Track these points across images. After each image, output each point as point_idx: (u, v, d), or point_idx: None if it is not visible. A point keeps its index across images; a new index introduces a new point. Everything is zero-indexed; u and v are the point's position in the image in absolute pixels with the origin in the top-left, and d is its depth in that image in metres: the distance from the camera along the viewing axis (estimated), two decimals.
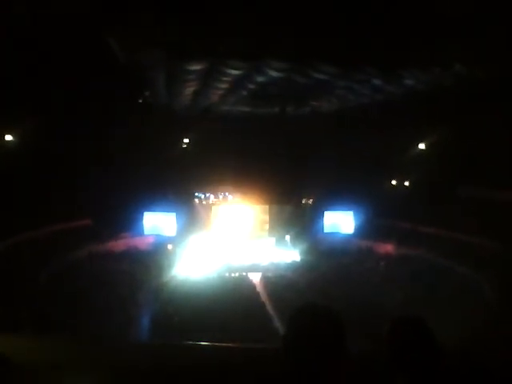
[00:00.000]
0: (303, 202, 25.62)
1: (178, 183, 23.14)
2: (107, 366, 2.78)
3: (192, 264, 21.15)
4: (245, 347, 3.66)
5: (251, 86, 16.69)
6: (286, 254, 23.34)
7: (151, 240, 22.74)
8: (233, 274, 20.55)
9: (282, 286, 18.09)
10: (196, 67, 13.55)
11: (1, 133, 16.74)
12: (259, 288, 18.42)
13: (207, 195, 25.05)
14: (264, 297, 17.10)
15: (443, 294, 14.02)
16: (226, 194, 25.13)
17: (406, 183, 23.73)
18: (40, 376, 2.61)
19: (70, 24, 10.21)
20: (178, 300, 15.30)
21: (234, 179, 23.82)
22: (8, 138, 17.01)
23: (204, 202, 25.05)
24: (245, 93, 18.02)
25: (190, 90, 17.26)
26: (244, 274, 20.73)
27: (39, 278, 14.37)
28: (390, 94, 17.02)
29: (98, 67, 12.90)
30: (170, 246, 22.36)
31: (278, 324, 13.69)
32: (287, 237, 24.26)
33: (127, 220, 21.07)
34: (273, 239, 24.55)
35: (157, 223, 22.89)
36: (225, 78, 15.35)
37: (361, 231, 23.20)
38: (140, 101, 18.16)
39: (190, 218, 23.77)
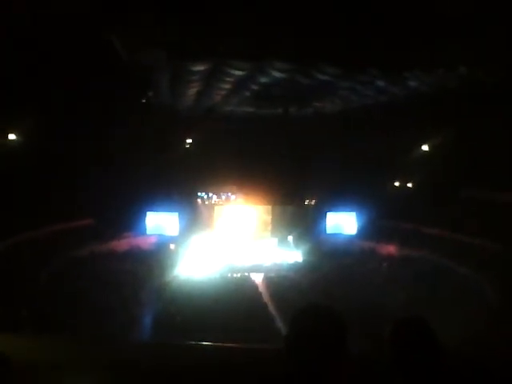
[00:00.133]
0: (306, 202, 25.59)
1: (181, 183, 23.15)
2: (108, 365, 2.79)
3: (194, 264, 21.16)
4: (247, 347, 3.67)
5: (254, 87, 16.69)
6: (289, 254, 23.32)
7: (154, 240, 22.74)
8: (235, 274, 20.55)
9: (284, 286, 18.09)
10: (199, 68, 13.56)
11: (4, 132, 16.77)
12: (261, 288, 18.42)
13: (210, 195, 25.03)
14: (266, 297, 17.10)
15: (445, 294, 14.00)
16: (229, 194, 25.11)
17: (409, 184, 23.69)
18: (40, 375, 2.62)
19: (72, 24, 10.23)
20: (180, 300, 15.31)
21: (237, 179, 23.82)
22: (11, 137, 17.03)
23: (207, 202, 25.04)
24: (248, 93, 18.02)
25: (193, 90, 17.28)
26: (246, 274, 20.73)
27: (41, 278, 14.40)
28: (393, 95, 17.01)
29: (101, 68, 12.92)
30: (172, 246, 22.37)
31: (280, 324, 13.68)
32: (290, 237, 24.24)
33: (130, 220, 21.09)
34: (275, 240, 24.53)
35: (159, 223, 22.91)
36: (228, 79, 15.36)
37: (363, 232, 23.16)
38: (143, 101, 18.18)
39: (193, 218, 23.77)
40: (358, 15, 9.98)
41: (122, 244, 21.31)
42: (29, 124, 16.03)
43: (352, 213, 24.03)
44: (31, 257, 15.03)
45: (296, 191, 24.53)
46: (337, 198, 23.26)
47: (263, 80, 15.44)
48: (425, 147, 21.32)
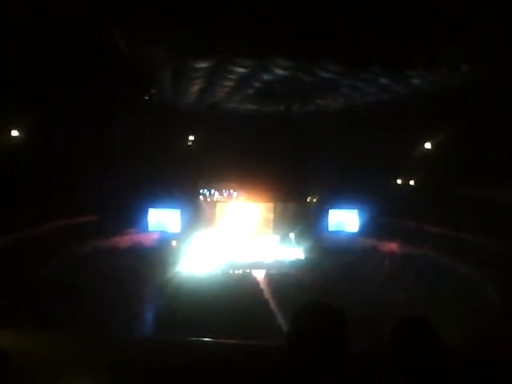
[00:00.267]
0: (308, 199, 25.58)
1: (183, 180, 23.16)
2: (109, 361, 2.80)
3: (196, 260, 21.19)
4: (248, 344, 3.68)
5: (257, 84, 16.68)
6: (290, 251, 23.34)
7: (156, 236, 22.77)
8: (237, 271, 20.57)
9: (285, 283, 18.10)
10: (202, 65, 13.55)
11: (6, 129, 16.80)
12: (263, 285, 18.45)
13: (212, 192, 25.04)
14: (268, 294, 17.12)
15: (447, 293, 13.99)
16: (231, 191, 25.11)
17: (412, 182, 23.68)
18: (40, 371, 2.63)
19: (74, 22, 10.23)
20: (182, 296, 15.34)
21: (239, 177, 23.80)
22: (14, 133, 17.07)
23: (209, 199, 25.05)
24: (250, 91, 18.01)
25: (195, 87, 17.27)
26: (248, 271, 20.75)
27: (42, 274, 14.43)
28: (395, 93, 16.98)
29: (103, 65, 12.93)
30: (174, 243, 22.40)
31: (281, 321, 13.70)
32: (291, 234, 24.25)
33: (132, 216, 21.11)
34: (277, 237, 24.55)
35: (161, 219, 22.92)
36: (231, 76, 15.34)
37: (365, 230, 23.14)
38: (146, 98, 18.20)
39: (195, 214, 23.78)
40: (360, 13, 9.96)
41: (124, 240, 21.33)
42: (31, 120, 16.06)
43: (354, 210, 24.01)
44: (33, 253, 15.05)
45: (298, 188, 24.51)
46: (339, 195, 23.23)
47: (266, 77, 15.43)
48: (427, 145, 21.29)
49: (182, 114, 22.03)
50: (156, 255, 20.31)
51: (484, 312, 12.36)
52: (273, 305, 15.70)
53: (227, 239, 23.57)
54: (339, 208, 24.25)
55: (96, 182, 18.63)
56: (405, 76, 14.55)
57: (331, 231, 24.18)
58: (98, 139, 18.53)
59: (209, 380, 2.72)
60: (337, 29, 10.51)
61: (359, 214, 23.88)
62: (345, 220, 24.34)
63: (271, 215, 25.14)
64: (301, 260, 22.39)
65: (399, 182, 24.01)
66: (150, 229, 22.68)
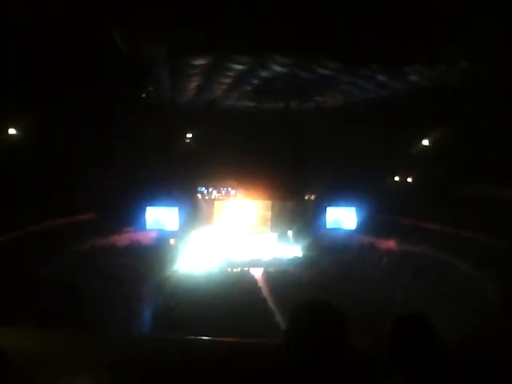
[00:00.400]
0: (306, 197, 25.60)
1: (181, 178, 23.13)
2: (108, 359, 2.79)
3: (194, 259, 21.19)
4: (246, 342, 3.67)
5: (255, 81, 16.65)
6: (288, 249, 23.37)
7: (154, 234, 22.76)
8: (235, 269, 20.59)
9: (283, 281, 18.13)
10: (200, 62, 13.52)
11: (5, 127, 16.77)
12: (261, 283, 18.46)
13: (210, 190, 25.03)
14: (266, 292, 17.14)
15: (445, 290, 14.02)
16: (229, 189, 25.11)
17: (409, 179, 23.69)
18: (39, 370, 2.61)
19: (72, 20, 10.19)
20: (180, 294, 15.34)
21: (237, 174, 23.81)
22: (12, 132, 17.04)
23: (207, 197, 25.04)
24: (249, 88, 17.98)
25: (193, 84, 17.24)
26: (246, 269, 20.77)
27: (41, 272, 14.42)
28: (394, 90, 16.97)
29: (101, 63, 12.88)
30: (172, 241, 22.40)
31: (279, 319, 13.72)
32: (289, 232, 24.28)
33: (130, 214, 21.09)
34: (275, 235, 24.57)
35: (159, 218, 22.89)
36: (229, 73, 15.32)
37: (363, 227, 23.16)
38: (144, 96, 18.15)
39: (193, 212, 23.77)
40: (358, 10, 9.94)
41: (123, 239, 21.33)
42: (29, 119, 16.03)
43: (352, 208, 24.02)
44: (32, 251, 15.04)
45: (296, 186, 24.50)
46: (337, 192, 23.23)
47: (264, 74, 15.40)
48: (425, 142, 21.29)
49: (180, 112, 21.98)
50: (154, 253, 20.32)
51: (482, 310, 12.38)
52: (271, 303, 15.72)
53: (225, 237, 23.59)
54: (337, 205, 24.24)
55: (94, 181, 18.60)
56: (403, 73, 14.55)
57: (329, 229, 24.18)
58: (96, 138, 18.48)
59: (207, 378, 2.71)
60: (335, 26, 10.49)
61: (357, 211, 23.88)
62: (343, 218, 24.34)
63: (269, 213, 25.17)
64: (299, 258, 22.42)
65: (397, 179, 24.01)
66: (148, 227, 22.66)
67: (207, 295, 14.85)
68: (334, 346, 1.76)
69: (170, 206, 22.85)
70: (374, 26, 10.52)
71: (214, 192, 25.10)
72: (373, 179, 21.72)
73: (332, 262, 20.19)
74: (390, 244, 21.39)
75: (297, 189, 24.68)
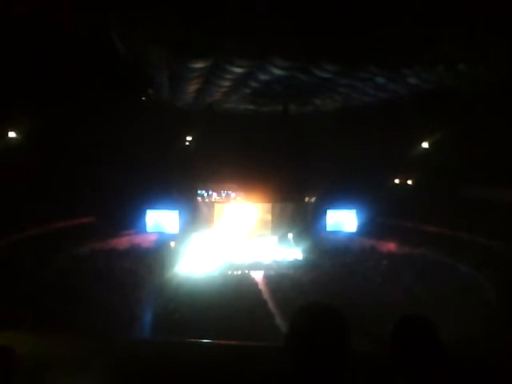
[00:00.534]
0: (306, 200, 25.61)
1: (181, 181, 23.15)
2: (108, 362, 2.78)
3: (194, 262, 21.17)
4: (246, 345, 3.66)
5: (254, 84, 16.67)
6: (289, 252, 23.34)
7: (154, 237, 22.76)
8: (235, 272, 20.56)
9: (284, 284, 18.09)
10: (199, 65, 13.54)
11: (4, 131, 16.77)
12: (261, 286, 18.43)
13: (210, 193, 25.04)
14: (266, 295, 17.11)
15: (446, 292, 14.00)
16: (229, 192, 25.12)
17: (409, 182, 23.71)
18: (40, 374, 2.61)
19: (72, 22, 10.21)
20: (180, 297, 15.32)
21: (237, 177, 23.83)
22: (11, 135, 17.04)
23: (207, 200, 25.05)
24: (248, 91, 18.00)
25: (193, 87, 17.26)
26: (246, 271, 20.74)
27: (41, 275, 14.41)
28: (393, 92, 16.99)
29: (101, 66, 12.91)
30: (172, 244, 22.39)
31: (279, 322, 13.69)
32: (290, 235, 24.25)
33: (130, 217, 21.11)
34: (275, 237, 24.55)
35: (160, 221, 22.91)
36: (228, 76, 15.34)
37: (363, 230, 23.18)
38: (143, 98, 18.17)
39: (193, 215, 23.79)
40: (357, 12, 9.96)
41: (123, 242, 21.33)
42: (28, 123, 16.04)
43: (352, 210, 24.05)
44: (32, 254, 15.04)
45: (296, 189, 24.53)
46: (337, 195, 23.25)
47: (263, 77, 15.42)
48: (425, 144, 21.31)
49: (180, 115, 22.02)
50: (154, 256, 20.31)
51: (483, 312, 12.36)
52: (271, 305, 15.69)
53: (225, 240, 23.57)
54: (337, 208, 24.27)
55: (94, 184, 18.63)
56: (402, 75, 14.57)
57: (329, 231, 24.21)
58: (96, 141, 18.51)
59: (207, 381, 2.70)
60: (334, 29, 10.51)
61: (357, 214, 23.91)
62: (343, 220, 24.37)
63: (269, 216, 25.16)
64: (299, 260, 22.39)
65: (397, 181, 24.03)
66: (148, 230, 22.68)
67: (207, 298, 14.83)
68: (334, 349, 1.75)
69: (171, 208, 22.86)
70: (372, 29, 10.53)
71: (214, 195, 25.11)
72: (373, 182, 21.73)
73: (332, 265, 20.18)
74: (390, 246, 21.40)
75: (297, 191, 24.71)
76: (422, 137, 21.08)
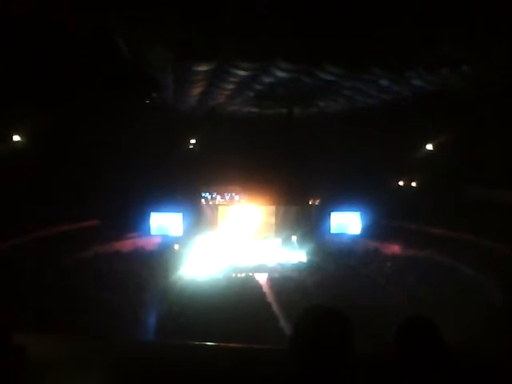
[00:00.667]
0: (310, 202, 25.58)
1: (185, 184, 23.18)
2: (112, 365, 2.79)
3: (198, 264, 21.17)
4: (251, 348, 3.66)
5: (258, 87, 16.68)
6: (293, 254, 23.31)
7: (158, 240, 22.79)
8: (239, 275, 20.54)
9: (288, 286, 18.07)
10: (203, 68, 13.55)
11: (8, 133, 16.83)
12: (265, 288, 18.41)
13: (214, 196, 25.05)
14: (270, 297, 17.09)
15: (450, 295, 13.96)
16: (233, 194, 25.12)
17: (413, 184, 23.66)
18: (43, 374, 2.62)
19: (75, 24, 10.23)
20: (184, 300, 15.32)
21: (241, 180, 23.82)
22: (16, 138, 17.11)
23: (210, 203, 25.04)
24: (252, 93, 18.01)
25: (197, 90, 17.28)
26: (250, 274, 20.72)
27: (45, 278, 14.44)
28: (397, 94, 16.97)
29: (105, 68, 12.94)
30: (176, 247, 22.41)
31: (284, 324, 13.68)
32: (294, 237, 24.23)
33: (134, 220, 21.15)
34: (279, 240, 24.53)
35: (163, 223, 22.95)
36: (232, 79, 15.35)
37: (368, 232, 23.15)
38: (147, 101, 18.23)
39: (197, 218, 23.81)
40: (361, 15, 9.96)
41: (127, 244, 21.37)
42: (31, 126, 16.10)
43: (356, 212, 24.03)
44: (35, 257, 15.08)
45: (300, 191, 24.51)
46: (341, 197, 23.25)
47: (267, 80, 15.43)
48: (429, 146, 21.27)
49: (184, 117, 22.07)
50: (158, 259, 20.32)
51: (487, 314, 12.32)
52: (275, 308, 15.68)
53: (229, 243, 23.57)
54: (341, 210, 24.26)
55: (98, 187, 18.67)
56: (406, 77, 14.55)
57: (333, 234, 24.20)
58: (100, 144, 18.57)
59: None
60: (338, 31, 10.50)
61: (361, 216, 23.89)
62: (347, 222, 24.35)
63: (273, 218, 25.13)
64: (303, 263, 22.35)
65: (401, 183, 23.99)
66: (152, 233, 22.73)
67: (212, 301, 14.83)
68: (339, 351, 1.75)
69: (174, 211, 22.90)
70: (376, 31, 10.53)
71: (218, 197, 25.11)
72: (377, 184, 21.71)
73: (336, 267, 20.15)
74: (395, 249, 21.35)
75: (301, 194, 24.69)
76: (426, 138, 21.04)
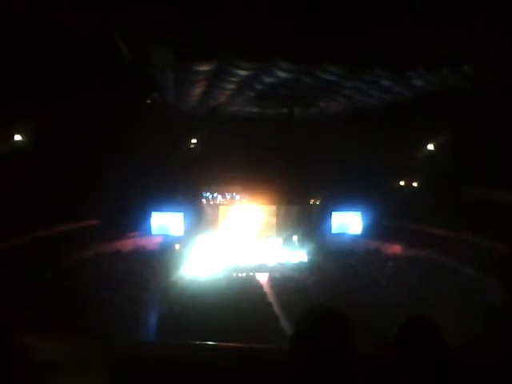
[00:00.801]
0: (311, 202, 25.59)
1: (186, 183, 23.19)
2: (113, 365, 2.79)
3: (199, 264, 21.18)
4: (251, 347, 3.66)
5: (259, 87, 16.68)
6: (294, 254, 23.32)
7: (159, 240, 22.80)
8: (240, 274, 20.56)
9: (289, 286, 18.09)
10: (204, 68, 13.55)
11: (8, 133, 16.84)
12: (266, 288, 18.42)
13: (215, 195, 25.06)
14: (271, 297, 17.10)
15: (450, 295, 13.96)
16: (234, 194, 25.12)
17: (415, 184, 23.66)
18: (40, 372, 2.62)
19: (75, 25, 10.23)
20: (185, 300, 15.33)
21: (242, 179, 23.83)
22: (16, 138, 17.12)
23: (211, 203, 25.06)
24: (253, 93, 18.01)
25: (198, 90, 17.28)
26: (251, 274, 20.73)
27: (45, 278, 14.45)
28: (398, 94, 16.96)
29: (106, 68, 12.93)
30: (177, 246, 22.42)
31: (284, 324, 13.68)
32: (295, 237, 24.23)
33: (135, 220, 21.15)
34: (280, 239, 24.53)
35: (164, 223, 22.96)
36: (233, 79, 15.35)
37: (369, 232, 23.15)
38: (148, 102, 18.24)
39: (198, 218, 23.81)
40: (362, 15, 9.95)
41: (127, 244, 21.38)
42: (32, 126, 16.10)
43: (357, 212, 24.02)
44: (36, 257, 15.09)
45: (301, 191, 24.51)
46: (342, 197, 23.25)
47: (268, 80, 15.43)
48: (430, 146, 21.26)
49: (185, 117, 22.06)
50: (159, 259, 20.34)
51: (488, 314, 12.31)
52: (276, 308, 15.68)
53: (230, 242, 23.57)
54: (342, 210, 24.25)
55: (99, 186, 18.68)
56: (407, 78, 14.55)
57: (334, 234, 24.19)
58: (101, 143, 18.57)
59: None
60: (339, 31, 10.50)
61: (362, 216, 23.89)
62: (348, 222, 24.34)
63: (274, 218, 25.13)
64: (304, 263, 22.36)
65: (402, 183, 23.98)
66: (153, 232, 22.73)
67: (212, 300, 14.83)
68: (339, 351, 1.75)
69: (175, 211, 22.90)
70: (376, 31, 10.52)
71: (219, 197, 25.12)
72: (378, 184, 21.71)
73: (337, 267, 20.15)
74: (396, 249, 21.35)
75: (302, 194, 24.69)
76: (428, 138, 21.04)
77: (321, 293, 16.16)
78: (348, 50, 11.61)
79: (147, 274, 17.83)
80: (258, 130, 22.56)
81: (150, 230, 22.64)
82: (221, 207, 25.04)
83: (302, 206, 25.07)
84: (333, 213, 24.30)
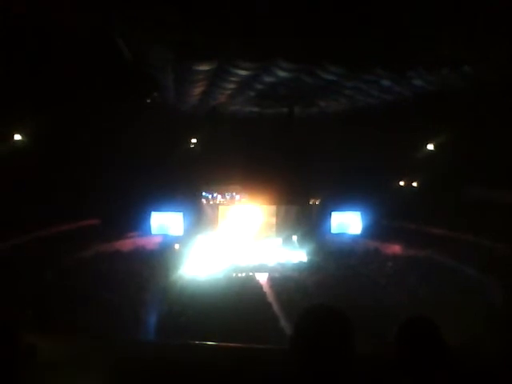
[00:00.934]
0: (311, 202, 25.59)
1: (186, 183, 23.18)
2: (112, 364, 2.79)
3: (199, 264, 21.18)
4: (251, 347, 3.66)
5: (259, 87, 16.67)
6: (293, 254, 23.32)
7: (158, 240, 22.80)
8: (239, 274, 20.55)
9: (288, 286, 18.08)
10: (204, 68, 13.55)
11: (8, 133, 16.84)
12: (266, 288, 18.42)
13: (214, 195, 25.06)
14: (271, 297, 17.10)
15: (450, 295, 13.96)
16: (234, 194, 25.13)
17: (414, 184, 23.66)
18: (40, 372, 2.62)
19: (75, 24, 10.23)
20: (184, 300, 15.33)
21: (242, 179, 23.82)
22: (17, 137, 17.11)
23: (211, 202, 25.06)
24: (253, 93, 18.00)
25: (198, 90, 17.27)
26: (251, 274, 20.73)
27: (45, 278, 14.44)
28: (398, 94, 16.96)
29: (106, 68, 12.93)
30: (177, 246, 22.42)
31: (284, 324, 13.68)
32: (294, 237, 24.23)
33: (135, 220, 21.16)
34: (280, 239, 24.53)
35: (164, 223, 22.96)
36: (233, 79, 15.34)
37: (368, 232, 23.14)
38: (148, 101, 18.24)
39: (197, 217, 23.81)
40: (362, 14, 9.95)
41: (127, 244, 21.37)
42: (32, 126, 16.10)
43: (357, 212, 24.02)
44: (36, 257, 15.08)
45: (301, 191, 24.51)
46: (341, 197, 23.24)
47: (268, 80, 15.42)
48: (430, 146, 21.26)
49: (185, 117, 22.06)
50: (159, 259, 20.33)
51: (488, 315, 12.31)
52: (276, 308, 15.68)
53: (230, 242, 23.57)
54: (342, 210, 24.25)
55: (99, 186, 18.67)
56: (407, 78, 14.55)
57: (334, 234, 24.19)
58: (101, 143, 18.57)
59: None
60: (339, 31, 10.50)
61: (362, 216, 23.89)
62: (348, 222, 24.34)
63: (274, 218, 25.13)
64: (304, 263, 22.36)
65: (402, 183, 23.98)
66: (153, 232, 22.73)
67: (212, 300, 14.83)
68: (339, 351, 1.75)
69: (175, 211, 22.90)
70: (376, 31, 10.53)
71: (219, 197, 25.12)
72: (378, 184, 21.70)
73: (337, 267, 20.15)
74: (395, 249, 21.34)
75: (302, 193, 24.68)
76: (428, 138, 21.04)
77: (320, 293, 16.15)
78: (348, 49, 11.61)
79: (147, 273, 17.82)
80: (258, 129, 22.56)
81: (150, 230, 22.64)
82: (220, 207, 25.05)
83: (302, 206, 25.07)
84: (332, 213, 24.30)
